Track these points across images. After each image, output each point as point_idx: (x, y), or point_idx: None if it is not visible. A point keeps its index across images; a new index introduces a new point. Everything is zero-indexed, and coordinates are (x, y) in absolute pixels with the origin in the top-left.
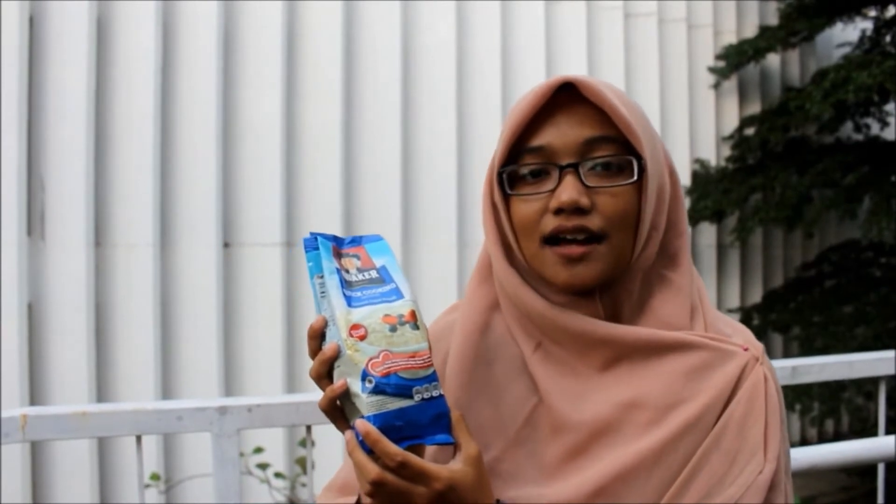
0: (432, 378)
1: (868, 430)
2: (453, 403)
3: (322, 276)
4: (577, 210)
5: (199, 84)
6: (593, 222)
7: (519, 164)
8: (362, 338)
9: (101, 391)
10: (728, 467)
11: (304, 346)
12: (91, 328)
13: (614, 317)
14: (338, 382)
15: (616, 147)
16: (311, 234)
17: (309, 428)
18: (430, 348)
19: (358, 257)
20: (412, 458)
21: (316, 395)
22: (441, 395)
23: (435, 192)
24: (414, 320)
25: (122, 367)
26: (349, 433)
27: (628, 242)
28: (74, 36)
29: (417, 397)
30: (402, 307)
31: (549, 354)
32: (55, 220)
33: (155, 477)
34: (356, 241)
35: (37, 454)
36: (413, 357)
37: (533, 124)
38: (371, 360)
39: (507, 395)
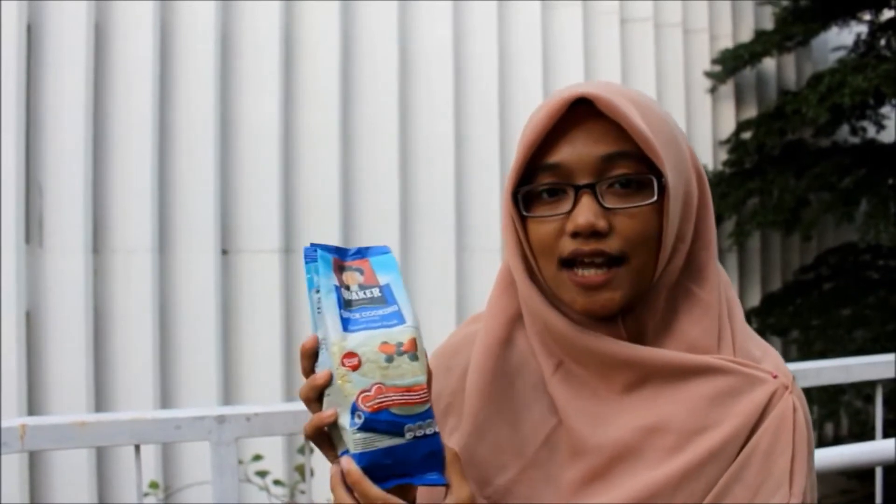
0: (427, 414)
1: (867, 434)
2: (472, 420)
3: (320, 292)
4: (594, 233)
5: (197, 89)
6: (611, 245)
7: (534, 184)
8: (355, 368)
9: (100, 398)
10: (750, 500)
11: None
12: (89, 335)
13: (638, 337)
14: (327, 411)
15: (635, 164)
16: (312, 244)
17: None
18: (428, 381)
19: (361, 272)
20: (394, 501)
21: None
22: (436, 433)
23: (433, 196)
24: (413, 350)
25: (121, 373)
26: (334, 468)
27: (650, 263)
28: (72, 42)
29: (409, 435)
30: (401, 334)
31: (569, 375)
32: (53, 226)
33: (154, 485)
34: (361, 252)
35: (35, 463)
36: (408, 392)
37: (549, 140)
38: (363, 393)
39: (526, 414)
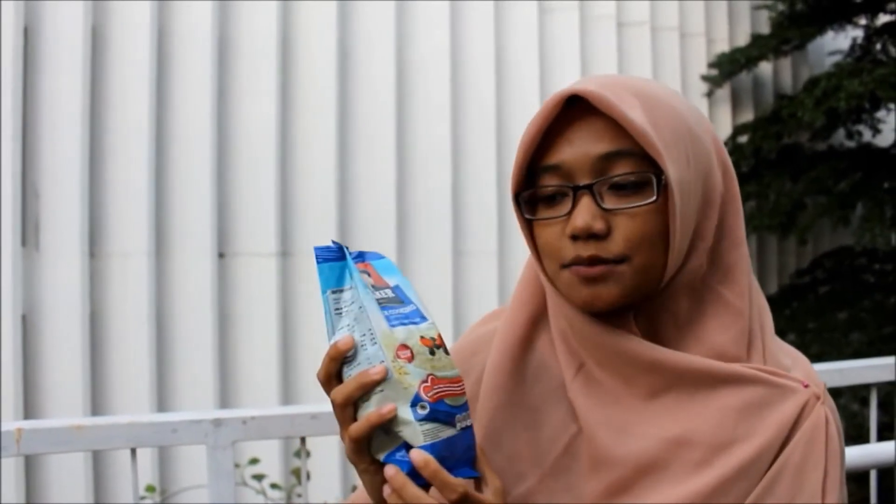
0: (466, 406)
1: (864, 437)
2: (487, 425)
3: (338, 291)
4: (592, 235)
5: (193, 93)
6: (610, 248)
7: (536, 187)
8: (409, 360)
9: (96, 402)
10: None
11: (300, 356)
12: (86, 338)
13: (654, 339)
14: (385, 407)
15: (635, 162)
16: (334, 242)
17: (303, 439)
18: None
19: (368, 274)
20: (475, 495)
21: (311, 406)
22: (471, 426)
23: (430, 199)
24: (443, 344)
25: (117, 377)
26: (392, 468)
27: (657, 262)
28: (69, 45)
29: (458, 426)
30: (429, 330)
31: (590, 379)
32: (50, 229)
33: (150, 489)
34: (361, 256)
35: (32, 467)
36: (452, 383)
37: (550, 140)
38: (422, 383)
39: (545, 420)
